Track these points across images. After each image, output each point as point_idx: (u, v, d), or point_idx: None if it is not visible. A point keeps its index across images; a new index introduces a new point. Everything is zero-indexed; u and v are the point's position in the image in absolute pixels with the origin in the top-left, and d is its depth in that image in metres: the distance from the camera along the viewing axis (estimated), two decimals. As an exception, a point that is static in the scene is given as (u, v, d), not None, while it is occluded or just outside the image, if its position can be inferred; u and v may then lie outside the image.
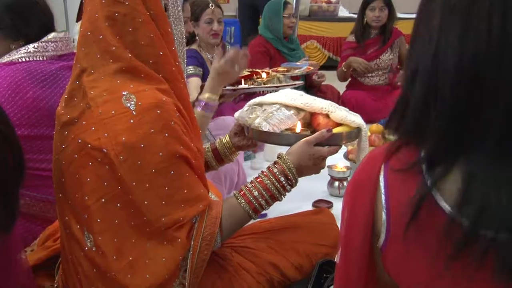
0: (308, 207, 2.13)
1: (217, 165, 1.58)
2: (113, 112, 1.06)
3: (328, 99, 1.44)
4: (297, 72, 2.75)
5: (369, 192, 0.75)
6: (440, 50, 0.66)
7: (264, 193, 1.22)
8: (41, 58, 1.56)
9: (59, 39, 1.61)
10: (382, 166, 0.75)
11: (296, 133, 1.35)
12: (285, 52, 3.66)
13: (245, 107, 1.46)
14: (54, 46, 1.59)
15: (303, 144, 1.27)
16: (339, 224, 1.48)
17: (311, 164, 1.27)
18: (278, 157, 1.28)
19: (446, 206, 0.67)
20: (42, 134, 1.53)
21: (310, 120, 1.41)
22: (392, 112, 0.76)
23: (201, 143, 1.26)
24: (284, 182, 1.24)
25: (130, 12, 1.08)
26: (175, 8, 1.18)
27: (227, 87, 1.99)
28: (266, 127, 1.34)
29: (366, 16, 3.62)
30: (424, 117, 0.68)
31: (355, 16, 3.86)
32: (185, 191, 1.11)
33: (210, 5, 2.77)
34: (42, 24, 1.61)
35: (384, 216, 0.74)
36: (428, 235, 0.69)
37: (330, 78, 3.78)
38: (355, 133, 1.37)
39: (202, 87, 2.10)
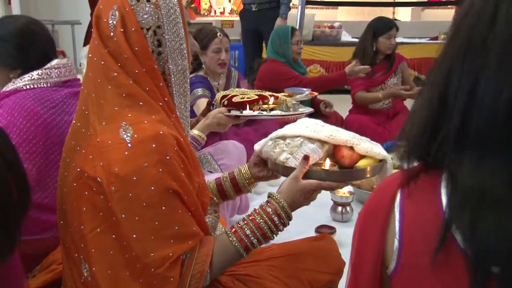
0: (311, 232, 2.12)
1: (235, 195, 1.54)
2: (109, 142, 1.06)
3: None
4: (298, 97, 2.76)
5: (380, 219, 0.75)
6: (480, 81, 0.66)
7: (256, 231, 1.19)
8: (45, 85, 1.57)
9: (62, 65, 1.61)
10: (398, 193, 0.74)
11: (323, 169, 1.31)
12: None
13: (269, 141, 1.43)
14: (58, 72, 1.60)
15: (291, 181, 1.25)
16: (341, 250, 1.49)
17: (303, 199, 1.25)
18: (269, 197, 1.26)
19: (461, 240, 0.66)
20: (57, 162, 1.48)
21: (333, 152, 1.38)
22: (417, 136, 0.74)
23: (202, 176, 1.25)
24: (277, 221, 1.21)
25: (117, 48, 1.09)
26: (174, 43, 1.16)
27: (232, 112, 1.99)
28: (293, 163, 1.32)
29: (380, 43, 3.62)
30: (461, 143, 0.68)
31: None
32: (176, 227, 1.09)
33: (218, 34, 2.77)
34: (42, 53, 1.60)
35: (396, 243, 0.73)
36: (443, 266, 0.68)
37: (333, 103, 3.79)
38: (379, 167, 1.33)
39: (208, 104, 2.12)
